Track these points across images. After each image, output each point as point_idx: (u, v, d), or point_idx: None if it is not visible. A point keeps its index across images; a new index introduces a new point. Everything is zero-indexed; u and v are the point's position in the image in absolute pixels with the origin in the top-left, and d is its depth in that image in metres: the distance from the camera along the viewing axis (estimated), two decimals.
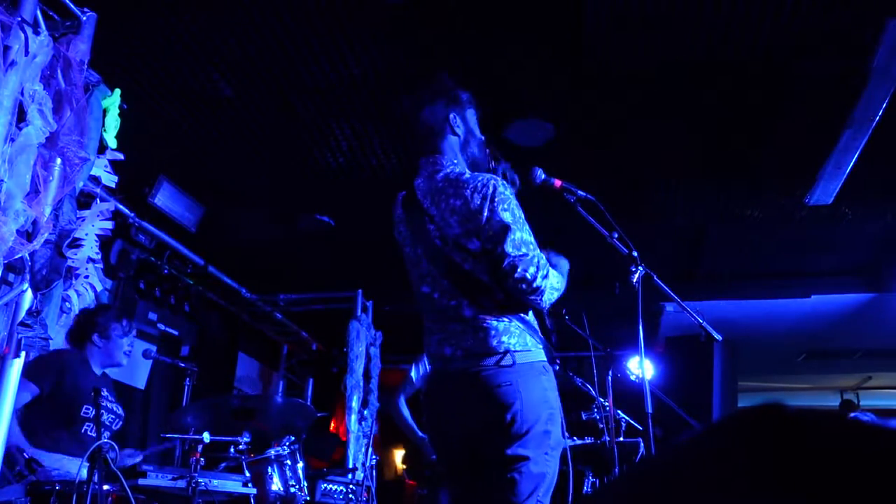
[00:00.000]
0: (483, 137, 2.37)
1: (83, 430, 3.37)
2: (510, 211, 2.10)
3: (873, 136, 3.97)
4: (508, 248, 2.05)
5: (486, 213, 2.08)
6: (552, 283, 2.10)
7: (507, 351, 2.06)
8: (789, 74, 3.69)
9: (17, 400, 2.80)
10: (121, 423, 3.64)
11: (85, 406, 3.39)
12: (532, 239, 2.12)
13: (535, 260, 2.07)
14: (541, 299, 2.08)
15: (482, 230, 2.09)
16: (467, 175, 2.19)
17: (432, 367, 2.25)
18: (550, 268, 2.12)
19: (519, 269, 2.05)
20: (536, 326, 2.18)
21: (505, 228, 2.07)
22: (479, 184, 2.13)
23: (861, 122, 3.86)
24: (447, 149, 2.28)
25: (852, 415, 4.60)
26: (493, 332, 2.08)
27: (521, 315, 2.14)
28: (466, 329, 2.11)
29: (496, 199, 2.09)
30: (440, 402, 2.22)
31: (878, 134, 3.94)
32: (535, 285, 2.05)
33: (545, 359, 2.13)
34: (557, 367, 2.20)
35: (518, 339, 2.10)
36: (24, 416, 3.24)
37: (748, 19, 3.32)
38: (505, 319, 2.10)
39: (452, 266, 2.13)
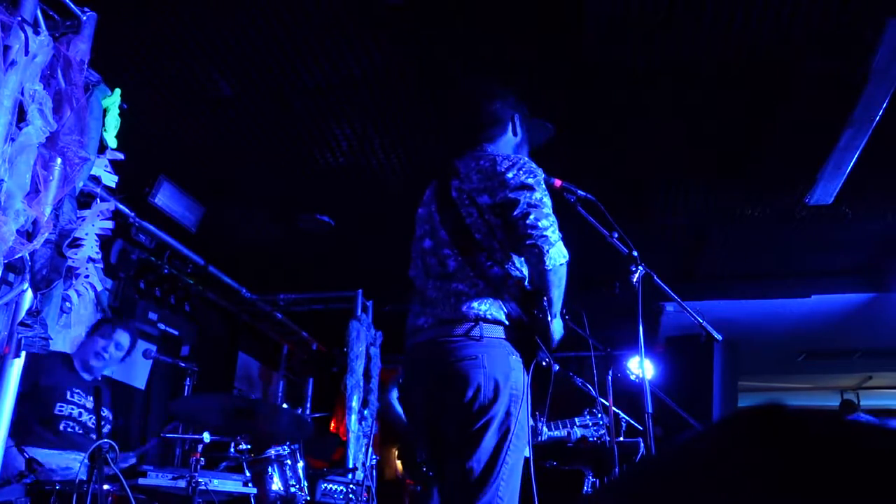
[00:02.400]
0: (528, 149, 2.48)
1: (62, 428, 3.42)
2: (536, 181, 2.12)
3: (873, 136, 3.97)
4: (523, 199, 2.07)
5: (509, 175, 2.12)
6: (561, 250, 2.06)
7: (477, 319, 2.03)
8: (789, 74, 3.69)
9: None
10: (109, 426, 3.66)
11: (58, 404, 3.45)
12: (552, 212, 2.12)
13: (551, 218, 2.07)
14: (547, 251, 2.02)
15: (498, 188, 2.11)
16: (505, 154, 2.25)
17: (407, 344, 2.24)
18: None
19: (532, 217, 2.05)
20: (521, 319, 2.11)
21: (525, 186, 2.10)
22: (512, 156, 2.21)
23: (861, 122, 3.85)
24: (501, 143, 2.37)
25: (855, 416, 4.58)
26: (463, 297, 2.07)
27: (499, 294, 2.09)
28: (440, 294, 2.12)
29: (524, 169, 2.14)
30: (410, 377, 2.22)
31: (878, 134, 3.94)
32: (545, 233, 2.03)
33: (512, 341, 2.08)
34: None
35: (490, 307, 2.06)
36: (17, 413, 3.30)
37: (748, 19, 3.32)
38: (481, 284, 2.08)
39: (457, 218, 2.16)
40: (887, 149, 4.16)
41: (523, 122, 2.45)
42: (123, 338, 3.76)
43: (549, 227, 2.05)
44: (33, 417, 3.37)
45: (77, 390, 3.57)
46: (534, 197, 2.08)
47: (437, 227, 2.23)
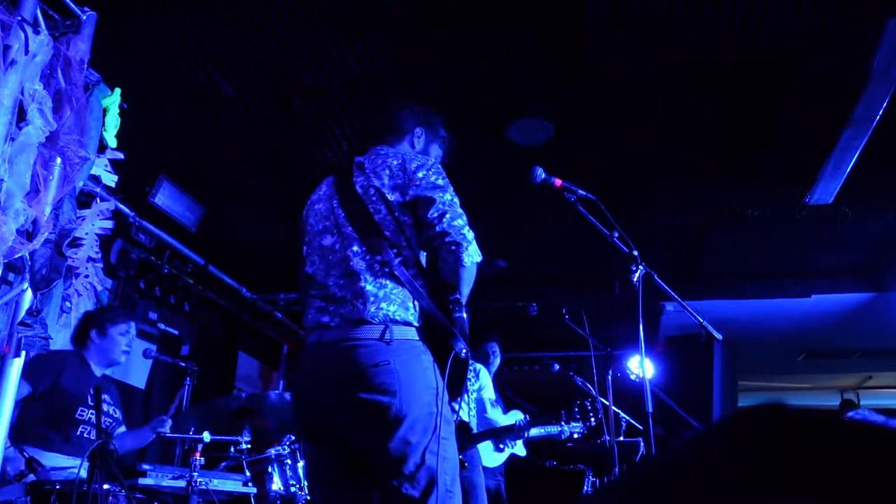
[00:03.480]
0: None
1: (78, 433, 3.36)
2: (446, 182, 2.16)
3: (873, 136, 3.97)
4: (438, 199, 2.10)
5: (419, 175, 2.14)
6: (476, 249, 2.08)
7: (385, 322, 1.99)
8: (789, 74, 3.69)
9: None
10: (118, 427, 3.63)
11: (80, 409, 3.38)
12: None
13: (465, 217, 2.11)
14: (466, 248, 2.04)
15: (409, 186, 2.13)
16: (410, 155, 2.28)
17: (307, 341, 2.15)
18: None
19: (448, 216, 2.07)
20: (432, 311, 2.08)
21: (437, 186, 2.13)
22: (419, 156, 2.24)
23: (861, 122, 3.85)
24: (399, 148, 2.38)
25: (852, 413, 4.57)
26: (371, 298, 2.02)
27: (409, 292, 2.06)
28: (346, 293, 2.07)
29: (433, 170, 2.17)
30: (313, 375, 2.11)
31: (878, 134, 3.94)
32: (462, 232, 2.06)
33: (423, 340, 2.05)
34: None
35: (399, 308, 2.03)
36: (18, 412, 3.23)
37: (748, 19, 3.32)
38: (389, 284, 2.05)
39: (365, 214, 2.14)
40: (887, 149, 4.16)
41: (433, 138, 2.47)
42: (134, 328, 3.75)
43: (465, 226, 2.09)
44: (46, 419, 3.28)
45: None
46: (446, 197, 2.11)
47: (342, 224, 2.18)
